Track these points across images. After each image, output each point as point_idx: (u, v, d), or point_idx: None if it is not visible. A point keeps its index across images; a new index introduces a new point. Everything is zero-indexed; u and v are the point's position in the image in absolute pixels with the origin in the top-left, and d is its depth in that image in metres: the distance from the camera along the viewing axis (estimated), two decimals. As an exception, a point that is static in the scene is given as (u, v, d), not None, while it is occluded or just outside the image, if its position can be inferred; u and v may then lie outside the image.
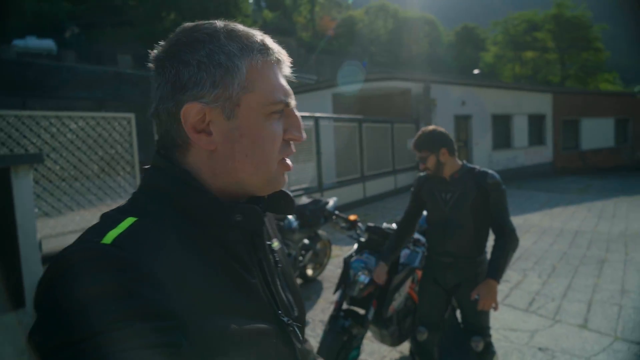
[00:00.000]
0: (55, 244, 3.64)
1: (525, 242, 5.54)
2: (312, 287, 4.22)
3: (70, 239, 1.03)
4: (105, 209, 0.80)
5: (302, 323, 0.68)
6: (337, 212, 3.38)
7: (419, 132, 2.08)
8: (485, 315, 2.09)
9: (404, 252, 2.55)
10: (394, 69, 26.71)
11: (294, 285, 0.71)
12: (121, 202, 0.57)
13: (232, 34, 0.55)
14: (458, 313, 2.34)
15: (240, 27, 0.57)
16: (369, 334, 2.58)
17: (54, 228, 3.71)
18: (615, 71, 36.28)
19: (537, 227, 6.54)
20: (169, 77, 0.53)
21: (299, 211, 4.08)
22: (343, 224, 2.88)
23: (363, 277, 2.31)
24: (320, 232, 4.35)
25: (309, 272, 4.36)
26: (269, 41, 0.58)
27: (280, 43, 0.60)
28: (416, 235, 2.66)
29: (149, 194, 0.56)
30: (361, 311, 2.37)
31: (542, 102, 14.75)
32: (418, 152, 2.04)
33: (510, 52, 35.59)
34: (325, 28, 41.31)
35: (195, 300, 0.48)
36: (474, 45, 43.59)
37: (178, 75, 0.53)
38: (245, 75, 0.54)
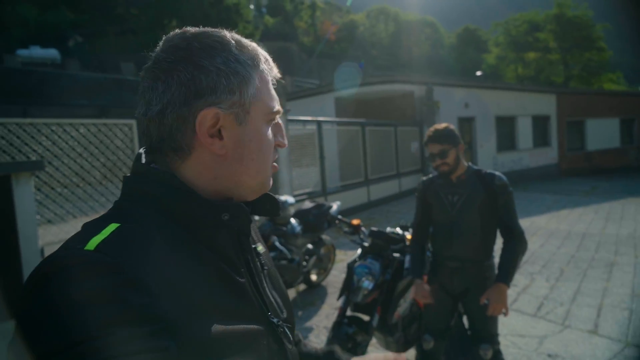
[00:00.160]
0: (57, 252, 3.63)
1: (532, 245, 5.46)
2: (316, 292, 4.17)
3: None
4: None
5: (292, 324, 0.69)
6: (339, 216, 3.34)
7: (433, 128, 2.00)
8: (493, 321, 2.04)
9: (409, 257, 2.51)
10: (395, 72, 26.76)
11: (281, 287, 0.72)
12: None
13: (240, 44, 0.58)
14: (465, 319, 2.28)
15: (243, 37, 0.60)
16: (373, 340, 2.53)
17: (56, 235, 3.71)
18: (619, 71, 36.10)
19: (544, 230, 6.46)
20: (182, 81, 0.53)
21: (302, 216, 4.04)
22: (346, 229, 2.85)
23: (367, 283, 2.27)
24: (324, 236, 4.29)
25: (313, 277, 4.31)
26: (266, 53, 0.62)
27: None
28: None
29: (132, 200, 0.55)
30: (365, 317, 2.33)
31: (546, 103, 14.68)
32: (440, 145, 1.94)
33: (513, 54, 35.48)
34: (327, 32, 41.54)
35: (184, 302, 0.48)
36: (476, 47, 43.62)
37: (194, 80, 0.53)
38: (256, 84, 0.57)
